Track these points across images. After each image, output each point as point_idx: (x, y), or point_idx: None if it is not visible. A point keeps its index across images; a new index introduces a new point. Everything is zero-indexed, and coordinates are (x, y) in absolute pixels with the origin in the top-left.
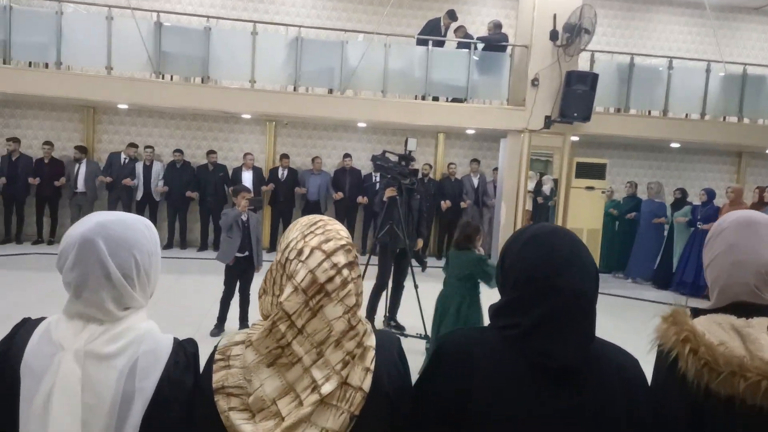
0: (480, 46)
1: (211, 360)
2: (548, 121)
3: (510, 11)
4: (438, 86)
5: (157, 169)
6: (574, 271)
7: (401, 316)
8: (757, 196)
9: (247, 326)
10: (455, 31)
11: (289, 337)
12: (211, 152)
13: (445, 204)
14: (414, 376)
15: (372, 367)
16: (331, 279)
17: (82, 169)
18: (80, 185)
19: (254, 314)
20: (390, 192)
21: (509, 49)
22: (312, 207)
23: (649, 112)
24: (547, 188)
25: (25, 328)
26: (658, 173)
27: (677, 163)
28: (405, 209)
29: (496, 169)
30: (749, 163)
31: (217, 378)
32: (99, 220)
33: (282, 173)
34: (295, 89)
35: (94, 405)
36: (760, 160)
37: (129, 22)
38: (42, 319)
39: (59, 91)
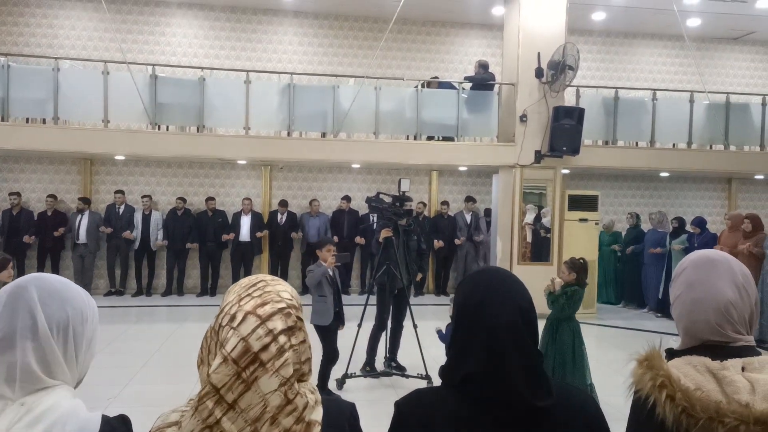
0: (468, 86)
1: None
2: (538, 156)
3: (496, 50)
4: (429, 125)
5: (156, 218)
6: (496, 302)
7: (401, 357)
8: (749, 225)
9: (326, 385)
10: (429, 83)
11: (218, 414)
12: (210, 199)
13: (438, 243)
14: None
15: None
16: (266, 347)
17: (84, 221)
18: (82, 236)
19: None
20: (386, 233)
21: (497, 87)
22: (312, 249)
23: (637, 143)
24: (547, 221)
25: None
26: (650, 202)
27: (668, 191)
28: (402, 249)
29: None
30: (739, 189)
31: None
32: (37, 275)
33: (281, 217)
34: (289, 134)
35: None
36: (750, 186)
37: (125, 75)
38: None
39: (57, 145)
